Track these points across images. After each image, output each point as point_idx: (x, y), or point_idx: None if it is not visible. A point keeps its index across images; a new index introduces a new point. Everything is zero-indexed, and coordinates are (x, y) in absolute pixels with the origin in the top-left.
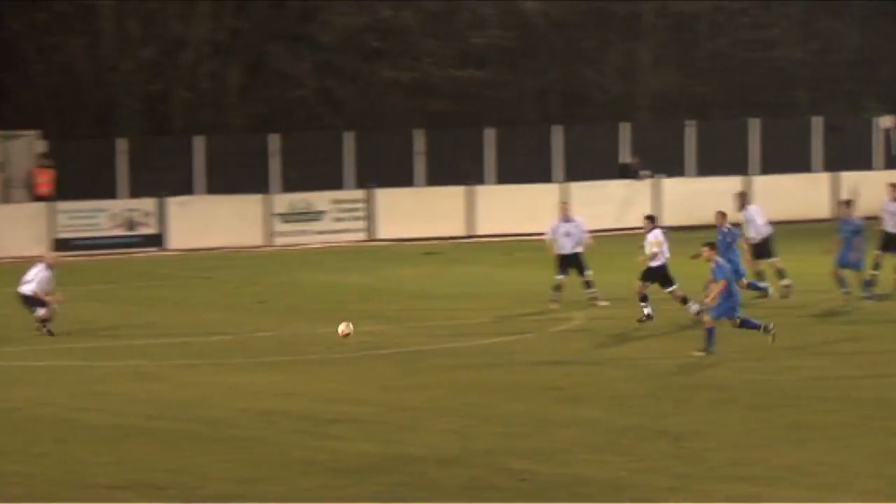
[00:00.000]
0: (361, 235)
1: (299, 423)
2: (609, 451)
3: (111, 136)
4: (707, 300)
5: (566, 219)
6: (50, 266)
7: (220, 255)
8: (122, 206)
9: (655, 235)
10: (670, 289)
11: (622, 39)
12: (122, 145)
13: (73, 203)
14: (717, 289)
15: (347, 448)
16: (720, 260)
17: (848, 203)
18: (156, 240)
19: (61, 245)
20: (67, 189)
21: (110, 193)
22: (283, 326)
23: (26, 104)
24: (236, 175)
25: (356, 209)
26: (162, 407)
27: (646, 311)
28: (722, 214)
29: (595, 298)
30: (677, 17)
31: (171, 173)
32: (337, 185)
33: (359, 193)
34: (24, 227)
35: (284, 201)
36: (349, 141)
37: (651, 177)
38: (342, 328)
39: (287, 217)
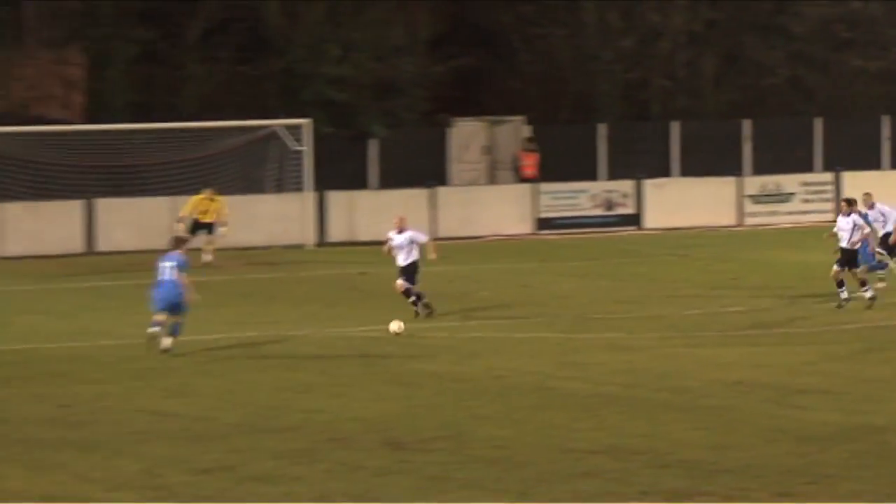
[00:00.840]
0: (829, 216)
1: (767, 394)
2: None
3: (591, 121)
4: None
5: None
6: None
7: (694, 234)
8: (601, 187)
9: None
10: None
11: None
12: (601, 130)
13: (555, 185)
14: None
15: (812, 417)
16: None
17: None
18: (633, 219)
19: (543, 224)
20: (550, 171)
21: (590, 175)
22: (752, 302)
23: (512, 91)
24: (710, 158)
25: (824, 191)
26: (637, 376)
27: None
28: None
29: None
30: None
31: (647, 156)
32: (806, 168)
33: (827, 176)
34: (510, 207)
35: (756, 184)
36: (818, 126)
37: None
38: (394, 328)
39: (758, 198)
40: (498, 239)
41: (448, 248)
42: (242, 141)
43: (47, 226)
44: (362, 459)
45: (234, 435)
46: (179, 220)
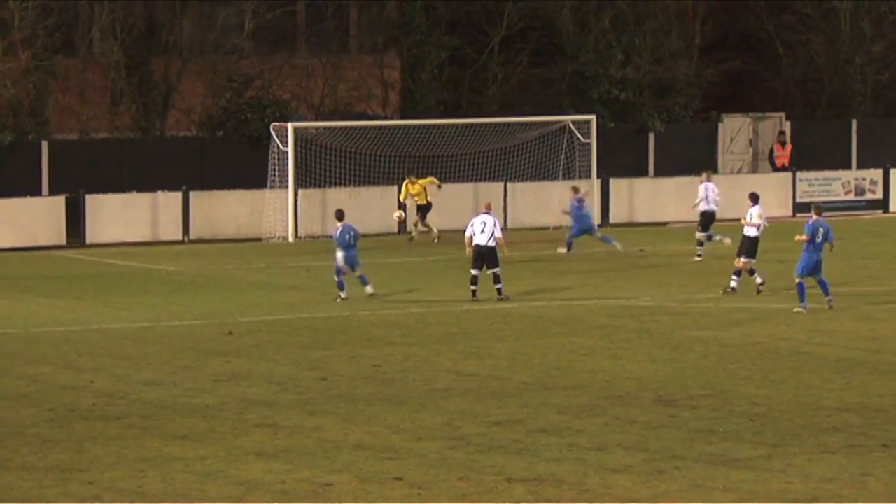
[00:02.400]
0: None
1: None
2: None
3: (845, 117)
4: None
5: None
6: None
7: None
8: (852, 175)
9: None
10: None
11: None
12: (853, 125)
13: (811, 173)
14: None
15: None
16: None
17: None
18: (880, 204)
19: (800, 208)
20: (807, 161)
21: (843, 165)
22: None
23: (775, 91)
24: None
25: None
26: (882, 343)
27: None
28: None
29: None
30: None
31: (893, 148)
32: None
33: None
34: (771, 193)
35: None
36: None
37: None
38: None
39: None
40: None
41: (716, 227)
42: (537, 134)
43: (368, 209)
44: (637, 414)
45: (525, 392)
46: (400, 207)
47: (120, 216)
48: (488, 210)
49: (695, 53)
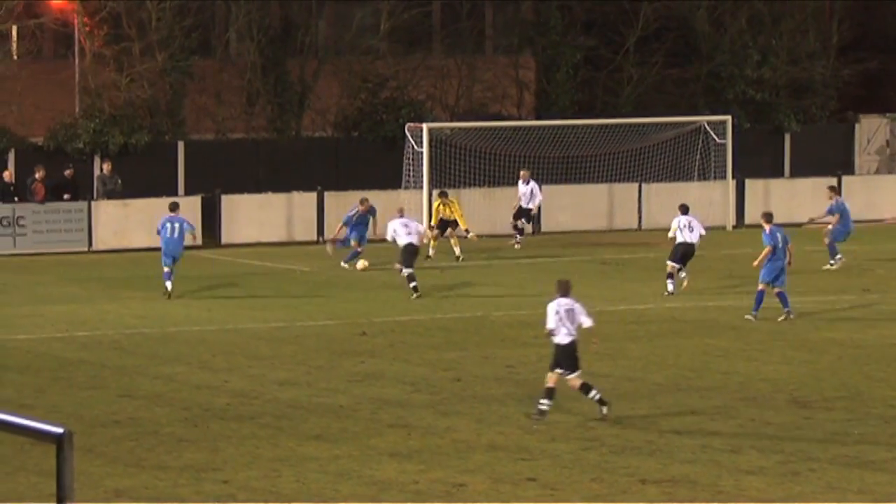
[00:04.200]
0: None
1: None
2: None
3: None
4: None
5: None
6: None
7: None
8: None
9: None
10: None
11: None
12: None
13: None
14: None
15: None
16: None
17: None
18: None
19: None
20: None
21: None
22: None
23: None
24: None
25: None
26: None
27: None
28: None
29: None
30: None
31: None
32: None
33: None
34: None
35: None
36: None
37: None
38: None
39: None
40: None
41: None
42: (672, 135)
43: (503, 209)
44: (771, 416)
45: (659, 393)
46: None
47: (255, 216)
48: (402, 214)
49: (832, 53)
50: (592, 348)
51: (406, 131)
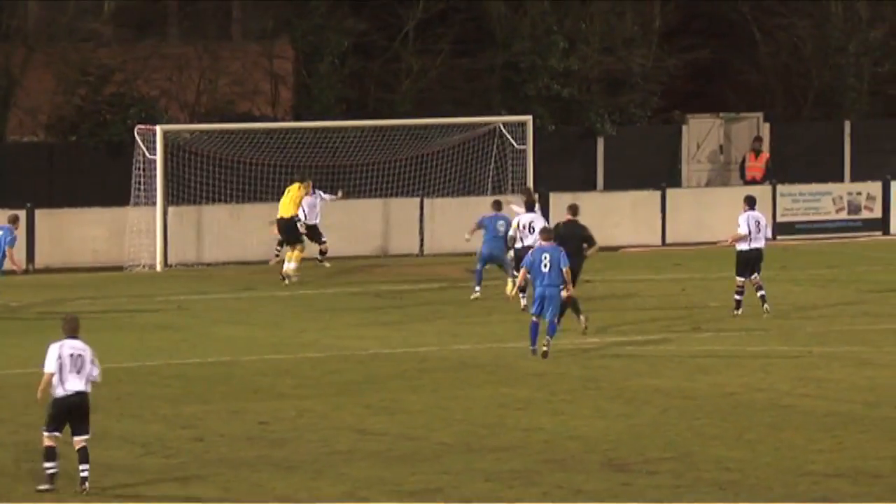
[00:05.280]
0: None
1: None
2: None
3: (836, 118)
4: None
5: None
6: None
7: None
8: (845, 189)
9: None
10: None
11: None
12: (846, 127)
13: (795, 186)
14: None
15: None
16: None
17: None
18: (878, 224)
19: (782, 229)
20: (790, 172)
21: (835, 177)
22: None
23: (751, 86)
24: None
25: None
26: (881, 394)
27: None
28: None
29: None
30: None
31: (895, 156)
32: None
33: None
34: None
35: None
36: None
37: None
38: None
39: None
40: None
41: (679, 254)
42: (461, 139)
43: (252, 230)
44: (582, 482)
45: (445, 455)
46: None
47: None
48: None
49: (653, 40)
50: None
51: (136, 135)
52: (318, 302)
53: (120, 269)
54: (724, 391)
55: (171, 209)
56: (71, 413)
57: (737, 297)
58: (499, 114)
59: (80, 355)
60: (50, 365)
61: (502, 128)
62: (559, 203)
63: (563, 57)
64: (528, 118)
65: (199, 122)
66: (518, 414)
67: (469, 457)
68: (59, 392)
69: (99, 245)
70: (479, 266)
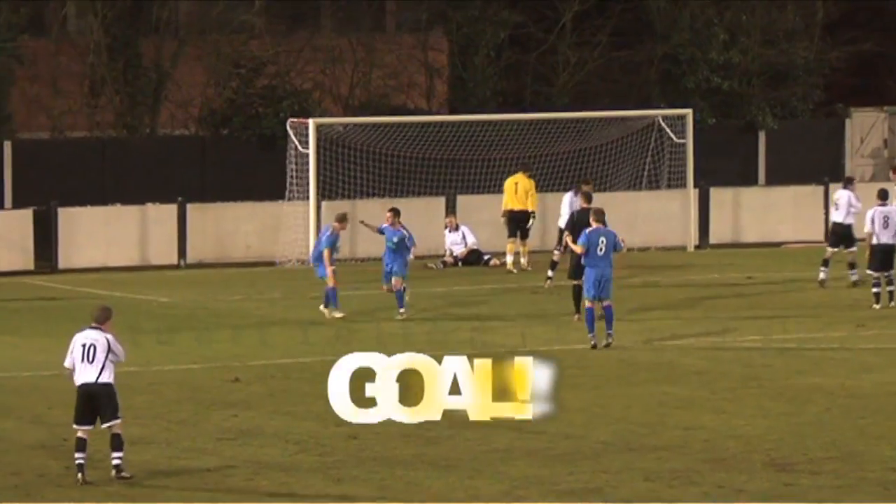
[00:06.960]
0: None
1: None
2: None
3: None
4: None
5: None
6: None
7: None
8: None
9: None
10: None
11: None
12: None
13: None
14: None
15: None
16: None
17: None
18: None
19: None
20: None
21: None
22: None
23: None
24: None
25: None
26: None
27: None
28: None
29: None
30: None
31: None
32: None
33: None
34: None
35: None
36: None
37: None
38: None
39: None
40: None
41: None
42: (618, 133)
43: (407, 225)
44: (744, 482)
45: (604, 454)
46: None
47: (100, 234)
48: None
49: (816, 32)
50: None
51: (288, 128)
52: (476, 296)
53: (272, 264)
54: (890, 390)
55: (323, 204)
56: (92, 402)
57: (874, 290)
58: (658, 107)
59: (92, 345)
60: (66, 359)
61: (661, 121)
62: (720, 198)
63: (724, 49)
64: (688, 111)
65: (353, 115)
66: (678, 412)
67: (628, 456)
68: (77, 383)
69: (251, 240)
70: None
